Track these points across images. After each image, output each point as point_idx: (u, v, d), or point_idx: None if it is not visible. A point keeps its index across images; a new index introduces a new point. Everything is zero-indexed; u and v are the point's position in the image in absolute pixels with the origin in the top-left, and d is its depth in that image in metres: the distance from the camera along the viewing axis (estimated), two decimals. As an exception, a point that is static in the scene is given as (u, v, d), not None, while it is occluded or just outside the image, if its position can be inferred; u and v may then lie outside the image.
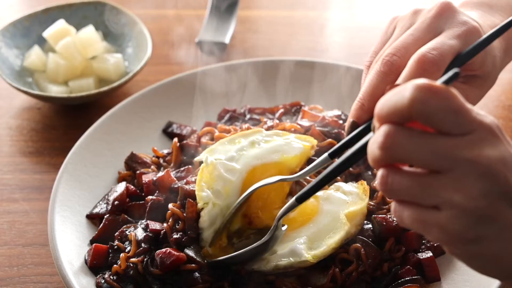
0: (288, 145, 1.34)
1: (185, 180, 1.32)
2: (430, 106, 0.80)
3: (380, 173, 0.84)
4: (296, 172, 1.30)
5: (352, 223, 1.24)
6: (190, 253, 1.23)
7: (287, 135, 1.37)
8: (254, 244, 1.20)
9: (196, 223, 1.26)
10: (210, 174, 1.28)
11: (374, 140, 0.83)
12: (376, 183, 0.85)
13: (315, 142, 1.37)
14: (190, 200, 1.26)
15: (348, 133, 1.14)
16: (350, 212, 1.25)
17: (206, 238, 1.26)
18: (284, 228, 1.21)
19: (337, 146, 1.15)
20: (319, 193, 1.28)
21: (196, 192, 1.27)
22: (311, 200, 1.27)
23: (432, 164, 0.82)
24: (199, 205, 1.26)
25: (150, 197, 1.32)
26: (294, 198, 1.11)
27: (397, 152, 0.82)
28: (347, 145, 1.14)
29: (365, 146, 0.89)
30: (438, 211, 0.83)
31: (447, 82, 0.82)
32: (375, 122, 0.85)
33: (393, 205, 0.86)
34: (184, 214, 1.26)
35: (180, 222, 1.26)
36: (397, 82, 1.09)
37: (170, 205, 1.28)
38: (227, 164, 1.29)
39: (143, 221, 1.30)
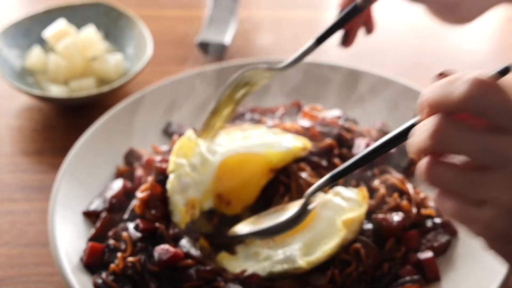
0: (278, 141, 1.35)
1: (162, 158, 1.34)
2: (486, 101, 0.78)
3: (424, 161, 0.83)
4: (277, 169, 1.31)
5: (349, 229, 1.24)
6: (186, 247, 1.23)
7: (285, 134, 1.38)
8: (282, 219, 1.17)
9: (159, 201, 1.27)
10: (191, 149, 1.30)
11: (424, 129, 0.81)
12: (418, 171, 0.84)
13: (309, 145, 1.37)
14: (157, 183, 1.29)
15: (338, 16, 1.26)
16: (348, 219, 1.25)
17: (176, 202, 1.27)
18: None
19: (324, 30, 1.24)
20: (318, 198, 1.28)
21: (170, 157, 1.29)
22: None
23: (483, 159, 0.80)
24: (169, 168, 1.28)
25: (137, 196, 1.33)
26: (329, 175, 1.06)
27: (448, 144, 0.80)
28: (334, 28, 1.25)
29: (406, 131, 0.87)
30: (483, 207, 0.81)
31: (501, 75, 0.81)
32: (421, 108, 0.83)
33: (436, 193, 0.84)
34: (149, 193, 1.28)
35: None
36: None
37: (139, 194, 1.29)
38: (211, 145, 1.32)
39: (124, 217, 1.31)
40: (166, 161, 1.32)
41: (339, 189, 1.32)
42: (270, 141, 1.35)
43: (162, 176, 1.31)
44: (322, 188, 1.09)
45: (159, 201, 1.28)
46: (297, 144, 1.36)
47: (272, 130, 1.40)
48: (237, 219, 1.29)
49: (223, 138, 1.36)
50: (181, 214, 1.27)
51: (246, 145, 1.35)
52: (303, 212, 1.15)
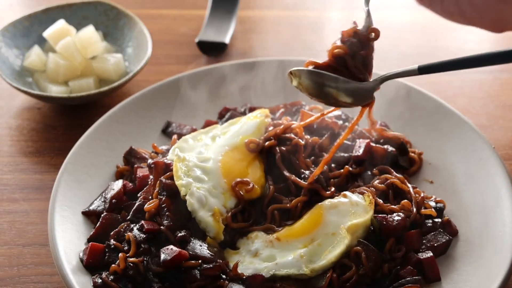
0: (244, 125, 1.43)
1: (167, 173, 1.34)
2: None
3: None
4: (264, 144, 1.38)
5: (354, 235, 1.25)
6: (192, 248, 1.23)
7: (240, 119, 1.45)
8: (357, 82, 1.23)
9: (170, 212, 1.28)
10: (186, 166, 1.33)
11: None
12: None
13: (266, 111, 1.46)
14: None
15: None
16: (353, 224, 1.25)
17: (203, 218, 1.27)
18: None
19: None
20: (325, 202, 1.29)
21: (176, 182, 1.30)
22: (316, 209, 1.29)
23: None
24: (182, 192, 1.29)
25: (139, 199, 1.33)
26: (417, 66, 1.04)
27: None
28: None
29: None
30: None
31: None
32: None
33: None
34: (163, 206, 1.29)
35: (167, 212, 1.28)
36: None
37: (146, 206, 1.30)
38: (199, 156, 1.37)
39: (128, 217, 1.31)
40: (171, 177, 1.32)
41: (347, 193, 1.32)
42: (237, 129, 1.42)
43: (166, 192, 1.31)
44: (403, 77, 1.12)
45: (169, 211, 1.28)
46: (259, 116, 1.44)
47: (228, 122, 1.46)
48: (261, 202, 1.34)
49: (194, 145, 1.41)
50: (214, 227, 1.27)
51: (223, 143, 1.39)
52: (371, 89, 1.20)
